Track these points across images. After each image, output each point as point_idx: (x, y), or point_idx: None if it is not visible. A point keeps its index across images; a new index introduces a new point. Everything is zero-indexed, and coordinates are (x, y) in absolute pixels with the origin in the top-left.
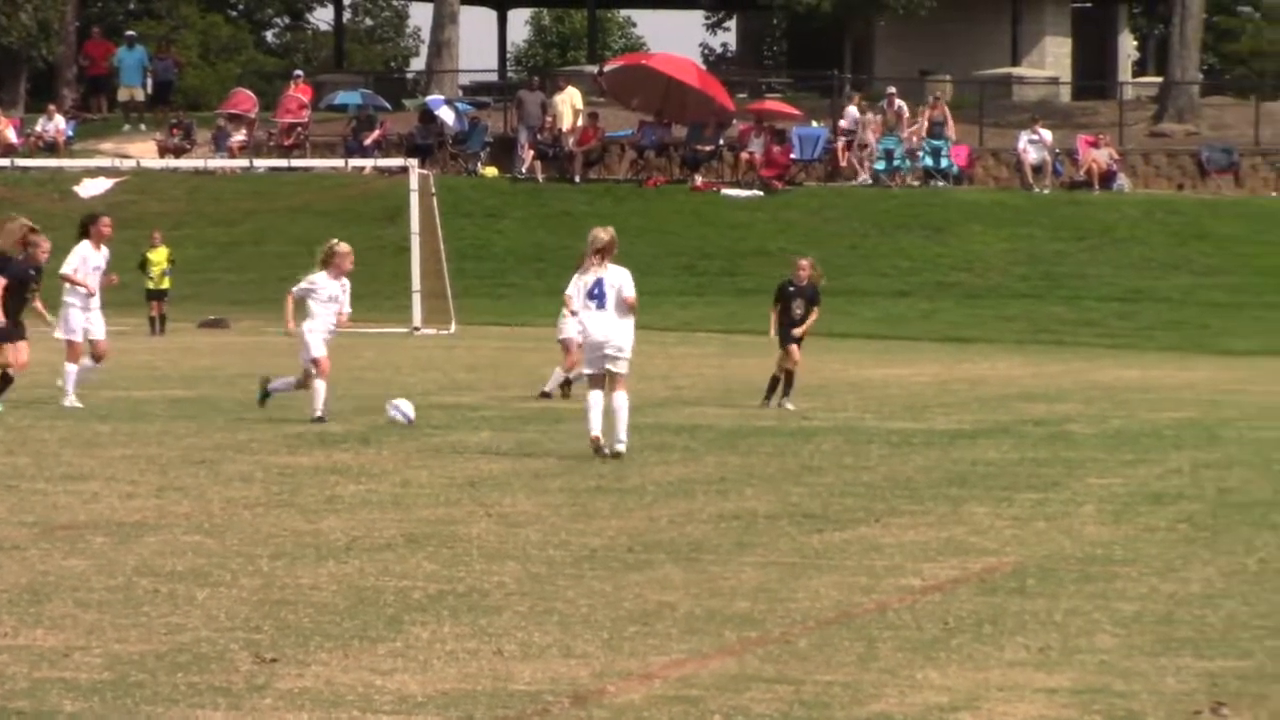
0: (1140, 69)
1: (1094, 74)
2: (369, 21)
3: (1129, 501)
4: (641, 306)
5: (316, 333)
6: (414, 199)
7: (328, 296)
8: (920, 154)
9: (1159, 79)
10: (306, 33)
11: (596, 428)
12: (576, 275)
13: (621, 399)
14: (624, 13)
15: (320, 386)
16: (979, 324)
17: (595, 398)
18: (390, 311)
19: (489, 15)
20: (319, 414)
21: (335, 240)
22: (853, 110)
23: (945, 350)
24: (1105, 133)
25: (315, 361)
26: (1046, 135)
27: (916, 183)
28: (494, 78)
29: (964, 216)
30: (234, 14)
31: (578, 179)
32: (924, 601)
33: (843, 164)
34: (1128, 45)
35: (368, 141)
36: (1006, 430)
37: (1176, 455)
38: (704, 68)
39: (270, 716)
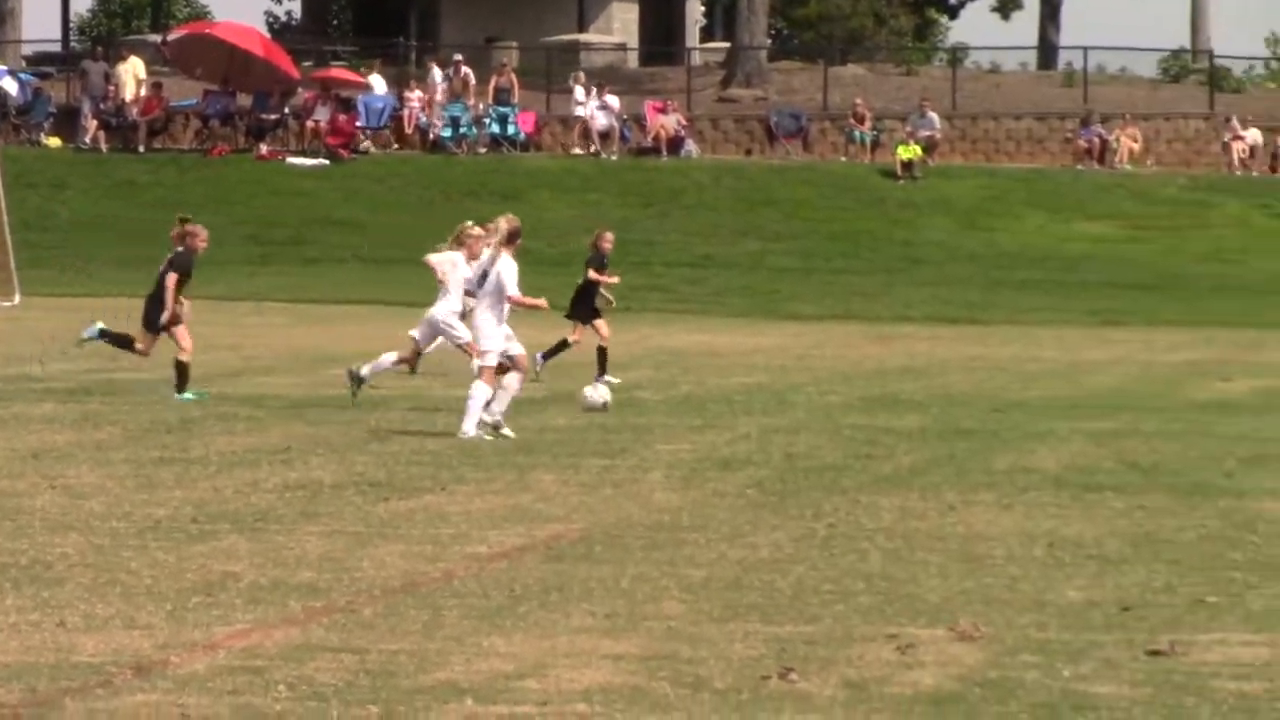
0: (708, 34)
1: (662, 40)
2: None
3: (697, 467)
4: (208, 278)
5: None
6: None
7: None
8: (487, 121)
9: (727, 44)
10: None
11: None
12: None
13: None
14: None
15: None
16: (551, 291)
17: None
18: None
19: None
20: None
21: (469, 223)
22: (377, 79)
23: (514, 317)
24: (673, 99)
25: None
26: (614, 102)
27: (484, 150)
28: (57, 48)
29: (532, 183)
30: None
31: (142, 149)
32: (490, 569)
33: (408, 131)
34: (695, 11)
35: None
36: (574, 397)
37: (745, 421)
38: (269, 36)
39: None
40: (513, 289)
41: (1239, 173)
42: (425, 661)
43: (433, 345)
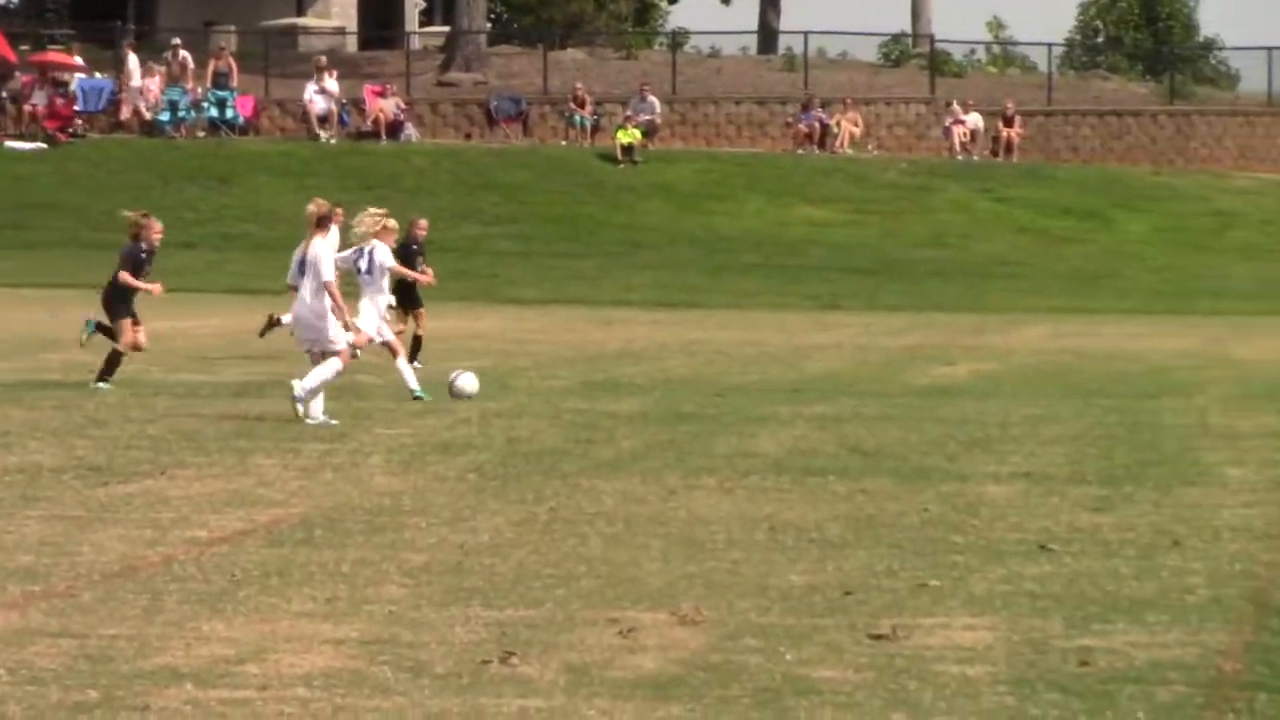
0: (427, 18)
1: (381, 24)
2: None
3: (418, 451)
4: None
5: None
6: None
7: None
8: (205, 105)
9: (446, 28)
10: None
11: None
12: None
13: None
14: None
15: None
16: (268, 275)
17: None
18: None
19: None
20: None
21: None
22: (79, 60)
23: (233, 301)
24: (392, 83)
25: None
26: (333, 85)
27: (202, 134)
28: None
29: (250, 167)
30: None
31: None
32: (210, 554)
33: (126, 115)
34: None
35: None
36: (285, 382)
37: (466, 405)
38: None
39: None
40: (329, 273)
41: (960, 157)
42: (145, 646)
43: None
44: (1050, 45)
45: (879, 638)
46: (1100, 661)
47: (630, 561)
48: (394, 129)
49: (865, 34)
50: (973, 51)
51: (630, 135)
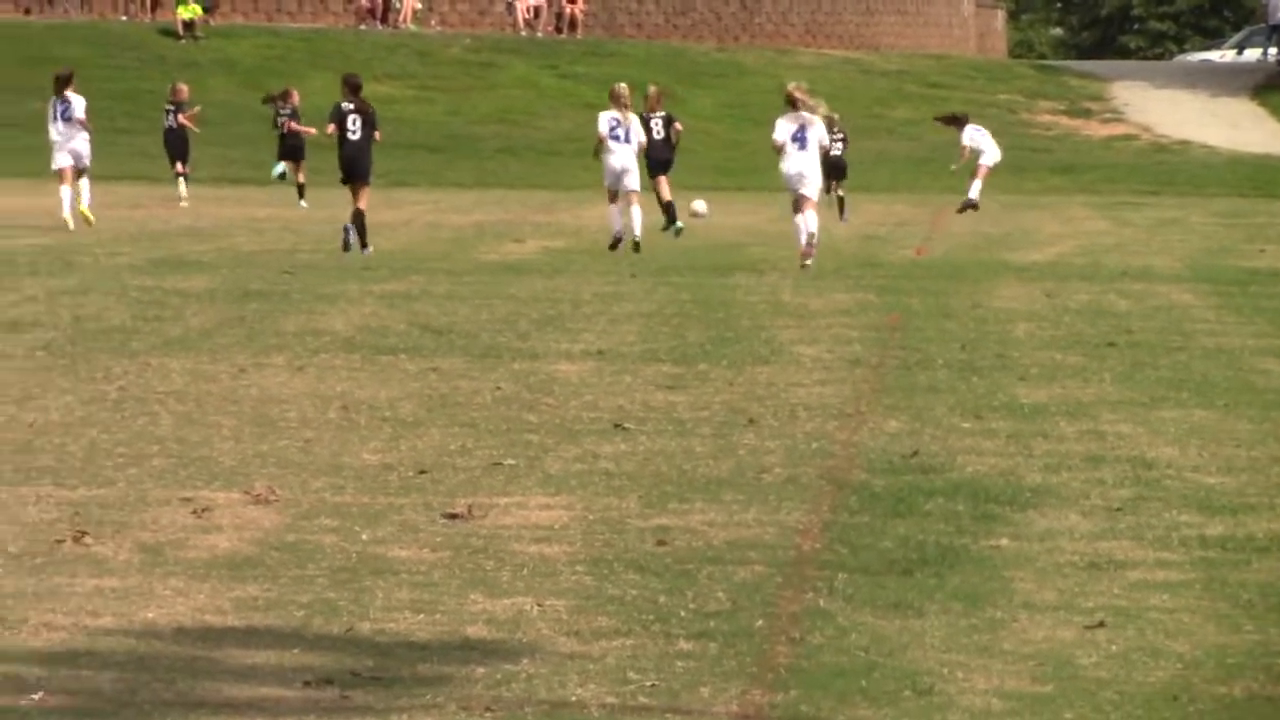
0: None
1: None
2: None
3: None
4: None
5: None
6: None
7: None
8: None
9: None
10: None
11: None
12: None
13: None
14: None
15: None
16: None
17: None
18: None
19: None
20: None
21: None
22: None
23: None
24: None
25: None
26: None
27: None
28: None
29: None
30: None
31: None
32: None
33: None
34: None
35: None
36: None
37: (31, 282)
38: None
39: None
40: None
41: (524, 33)
42: None
43: None
44: None
45: (454, 517)
46: (678, 541)
47: (202, 440)
48: None
49: None
50: None
51: (191, 10)
